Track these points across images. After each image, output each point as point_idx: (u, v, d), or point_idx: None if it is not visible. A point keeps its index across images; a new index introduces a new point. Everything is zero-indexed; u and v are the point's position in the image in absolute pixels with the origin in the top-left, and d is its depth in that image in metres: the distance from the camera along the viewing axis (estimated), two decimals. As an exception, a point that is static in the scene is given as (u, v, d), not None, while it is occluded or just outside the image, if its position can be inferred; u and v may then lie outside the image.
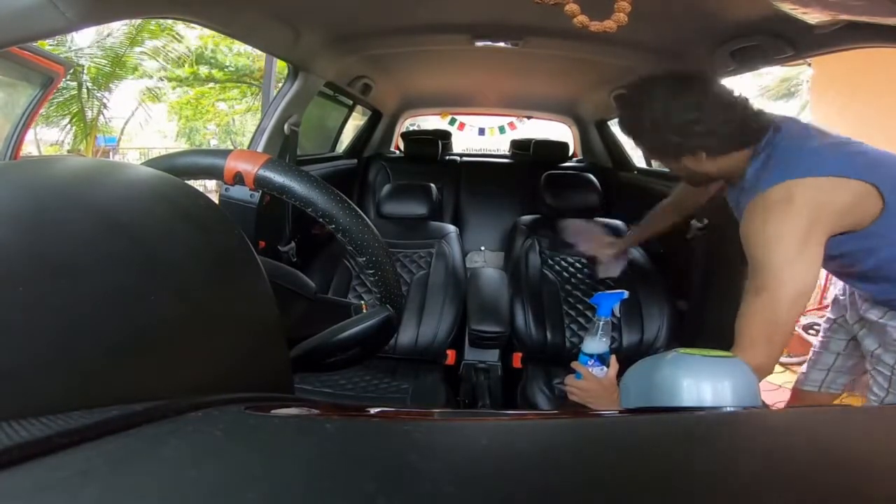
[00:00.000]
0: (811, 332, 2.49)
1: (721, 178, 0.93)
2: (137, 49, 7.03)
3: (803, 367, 1.18)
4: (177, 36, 7.43)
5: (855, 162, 0.77)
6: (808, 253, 0.75)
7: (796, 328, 2.58)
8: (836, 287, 1.12)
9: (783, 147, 0.81)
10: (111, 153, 8.73)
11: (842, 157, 0.78)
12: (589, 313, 1.53)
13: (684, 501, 0.16)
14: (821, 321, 2.52)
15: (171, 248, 0.26)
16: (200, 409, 0.20)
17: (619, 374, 0.94)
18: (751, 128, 0.83)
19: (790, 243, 0.74)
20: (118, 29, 6.76)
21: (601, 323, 0.95)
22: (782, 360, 2.69)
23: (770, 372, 0.80)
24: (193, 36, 8.18)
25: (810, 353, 1.17)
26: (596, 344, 0.94)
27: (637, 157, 2.38)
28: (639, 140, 0.93)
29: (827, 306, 2.57)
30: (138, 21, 6.12)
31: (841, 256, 0.83)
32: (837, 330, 1.11)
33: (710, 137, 0.82)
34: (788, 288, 0.74)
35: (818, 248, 0.76)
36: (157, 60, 7.56)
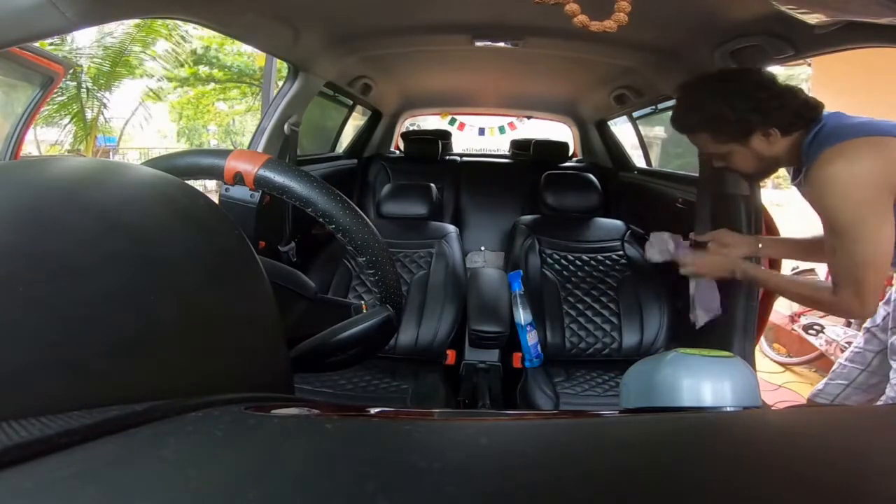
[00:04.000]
0: (811, 332, 2.49)
1: (782, 164, 0.96)
2: (137, 48, 7.03)
3: (820, 385, 1.17)
4: (185, 36, 7.43)
5: None
6: (882, 207, 0.78)
7: (796, 328, 2.58)
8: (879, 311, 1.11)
9: (832, 121, 0.87)
10: (111, 153, 8.74)
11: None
12: (589, 313, 1.53)
13: (685, 501, 0.16)
14: (821, 321, 2.53)
15: (171, 248, 0.26)
16: (200, 409, 0.20)
17: (620, 374, 0.95)
18: (811, 104, 0.89)
19: (861, 196, 0.78)
20: (118, 28, 6.76)
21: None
22: (782, 360, 2.69)
23: (868, 314, 0.88)
24: (196, 36, 8.18)
25: (835, 366, 1.17)
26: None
27: (637, 157, 2.37)
28: (709, 126, 0.94)
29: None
30: (142, 21, 6.12)
31: None
32: (871, 340, 1.11)
33: (784, 112, 0.88)
34: (864, 243, 0.79)
35: (888, 208, 0.79)
36: (158, 61, 7.56)
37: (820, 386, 1.17)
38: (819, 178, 0.83)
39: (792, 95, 0.89)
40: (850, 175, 0.79)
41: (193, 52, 8.36)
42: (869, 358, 1.10)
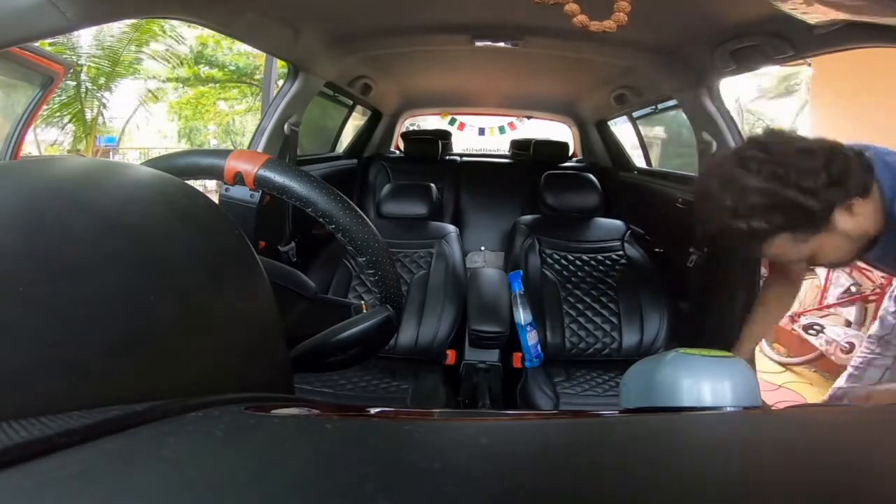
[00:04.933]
0: (811, 332, 2.49)
1: (871, 233, 0.76)
2: (133, 48, 7.03)
3: (841, 382, 1.15)
4: (178, 38, 7.43)
5: None
6: None
7: (796, 328, 2.58)
8: (889, 306, 1.09)
9: (881, 156, 0.73)
10: (111, 153, 8.73)
11: None
12: (589, 313, 1.53)
13: (684, 501, 0.16)
14: (821, 322, 2.52)
15: (170, 249, 0.26)
16: (200, 409, 0.20)
17: (620, 374, 0.94)
18: (855, 150, 0.73)
19: None
20: (118, 28, 6.77)
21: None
22: (782, 360, 2.69)
23: None
24: (192, 36, 8.17)
25: (849, 370, 1.15)
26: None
27: (637, 157, 2.38)
28: (783, 227, 0.73)
29: (827, 307, 2.57)
30: (140, 21, 6.12)
31: None
32: (886, 346, 1.07)
33: (851, 170, 0.71)
34: None
35: None
36: (158, 61, 7.56)
37: (842, 391, 1.14)
38: None
39: (837, 149, 0.72)
40: None
41: (191, 49, 8.34)
42: (889, 361, 1.08)
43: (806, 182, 0.69)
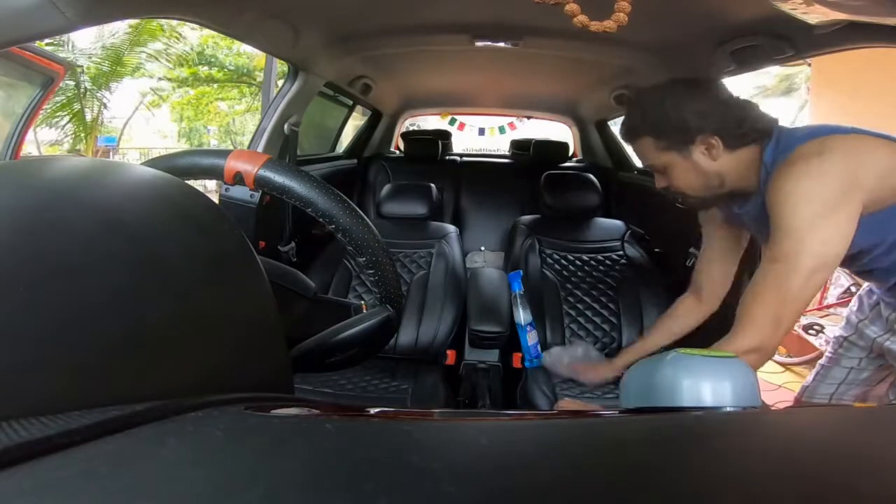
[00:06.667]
0: (811, 332, 2.49)
1: (728, 185, 0.86)
2: (138, 49, 7.03)
3: (808, 380, 1.15)
4: (179, 36, 7.43)
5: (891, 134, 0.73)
6: (838, 216, 0.66)
7: (796, 328, 2.58)
8: (852, 306, 1.09)
9: (785, 133, 0.79)
10: (111, 153, 8.74)
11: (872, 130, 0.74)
12: (589, 313, 1.53)
13: (684, 501, 0.16)
14: (821, 322, 2.52)
15: (170, 249, 0.26)
16: (200, 409, 0.20)
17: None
18: (763, 120, 0.82)
19: (818, 202, 0.66)
20: (119, 28, 6.77)
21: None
22: (782, 360, 2.69)
23: (769, 357, 0.72)
24: (195, 36, 8.18)
25: (816, 368, 1.14)
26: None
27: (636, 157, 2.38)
28: (649, 130, 0.87)
29: (827, 307, 2.57)
30: (140, 21, 6.13)
31: (874, 247, 0.76)
32: (850, 348, 1.05)
33: (728, 121, 0.81)
34: (808, 255, 0.66)
35: (851, 214, 0.67)
36: (160, 60, 7.57)
37: (809, 389, 1.14)
38: (779, 185, 0.72)
39: (742, 107, 0.82)
40: (819, 171, 0.68)
41: (192, 47, 8.34)
42: (855, 362, 1.07)
43: (677, 105, 0.82)
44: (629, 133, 0.91)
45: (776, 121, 0.83)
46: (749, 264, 1.19)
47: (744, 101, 0.84)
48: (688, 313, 1.15)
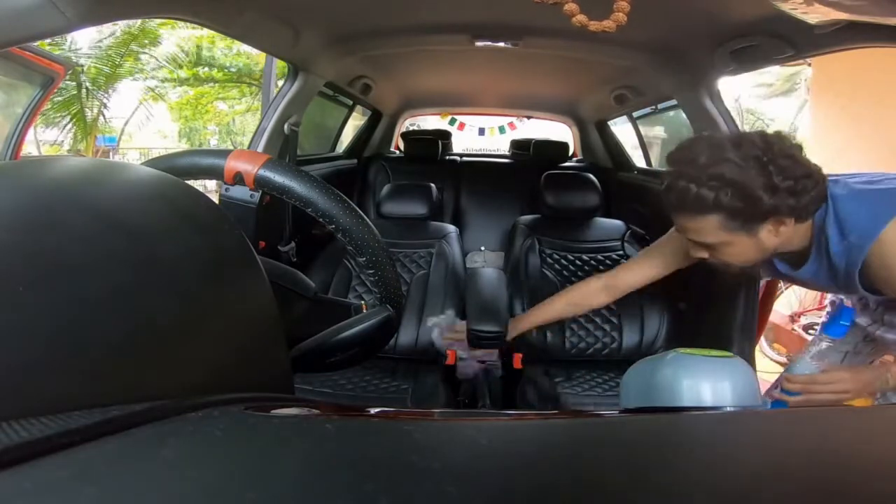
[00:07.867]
0: (811, 332, 2.49)
1: (770, 254, 0.80)
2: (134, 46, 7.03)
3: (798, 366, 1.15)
4: (156, 39, 7.40)
5: None
6: None
7: (796, 328, 2.58)
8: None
9: (839, 189, 0.75)
10: (111, 153, 8.74)
11: None
12: (589, 313, 1.53)
13: (684, 501, 0.16)
14: (821, 321, 2.52)
15: (170, 248, 0.26)
16: (200, 409, 0.20)
17: (620, 374, 0.94)
18: (821, 182, 0.74)
19: None
20: (119, 28, 6.77)
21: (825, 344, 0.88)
22: (782, 360, 2.69)
23: None
24: (185, 36, 8.17)
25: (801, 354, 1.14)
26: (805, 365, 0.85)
27: (637, 157, 2.38)
28: (721, 208, 0.74)
29: (826, 306, 2.56)
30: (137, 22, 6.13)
31: None
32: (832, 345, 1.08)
33: (801, 197, 0.72)
34: None
35: None
36: (159, 60, 7.57)
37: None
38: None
39: (809, 174, 0.73)
40: None
41: (187, 53, 8.34)
42: (851, 346, 1.07)
43: (775, 178, 0.71)
44: (690, 210, 0.77)
45: (825, 178, 0.76)
46: (746, 278, 1.20)
47: (804, 161, 0.75)
48: (592, 297, 1.14)
